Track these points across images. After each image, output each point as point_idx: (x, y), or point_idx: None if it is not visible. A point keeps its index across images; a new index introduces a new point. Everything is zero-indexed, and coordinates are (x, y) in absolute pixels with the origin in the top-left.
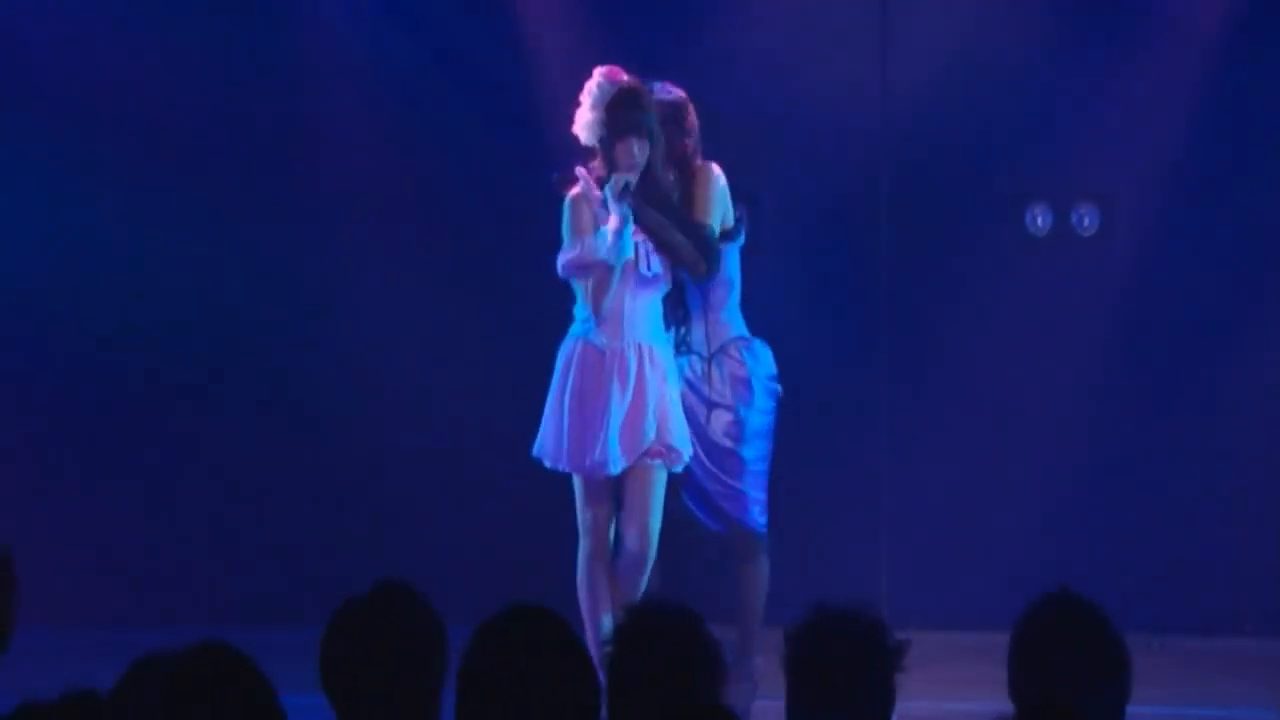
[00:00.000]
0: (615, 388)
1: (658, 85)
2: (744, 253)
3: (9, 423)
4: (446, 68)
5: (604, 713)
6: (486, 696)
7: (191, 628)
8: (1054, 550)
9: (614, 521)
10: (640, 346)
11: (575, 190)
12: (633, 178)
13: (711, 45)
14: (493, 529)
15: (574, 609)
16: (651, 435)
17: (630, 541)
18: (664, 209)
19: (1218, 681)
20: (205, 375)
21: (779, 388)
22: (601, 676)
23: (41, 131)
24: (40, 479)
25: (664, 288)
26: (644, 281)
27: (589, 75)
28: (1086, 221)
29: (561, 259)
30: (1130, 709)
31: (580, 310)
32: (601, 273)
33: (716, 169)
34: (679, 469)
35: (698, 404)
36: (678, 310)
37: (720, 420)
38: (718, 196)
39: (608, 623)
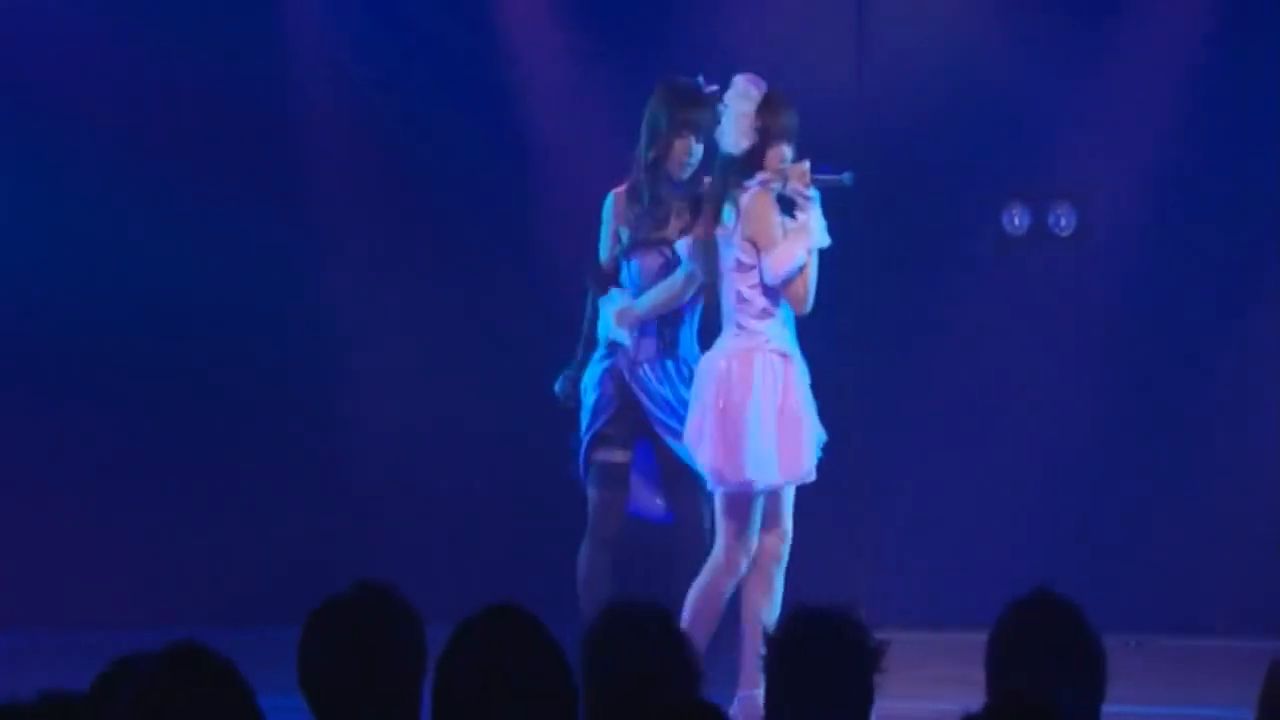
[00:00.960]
0: (801, 391)
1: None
2: None
3: None
4: (423, 62)
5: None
6: (463, 697)
7: (168, 630)
8: (1032, 550)
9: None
10: (789, 350)
11: (765, 192)
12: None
13: (687, 44)
14: (471, 527)
15: (555, 605)
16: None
17: (777, 545)
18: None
19: (1195, 681)
20: (175, 372)
21: None
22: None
23: (12, 126)
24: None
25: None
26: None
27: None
28: (1064, 222)
29: (775, 263)
30: (1110, 709)
31: (750, 322)
32: (807, 265)
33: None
34: None
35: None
36: (667, 314)
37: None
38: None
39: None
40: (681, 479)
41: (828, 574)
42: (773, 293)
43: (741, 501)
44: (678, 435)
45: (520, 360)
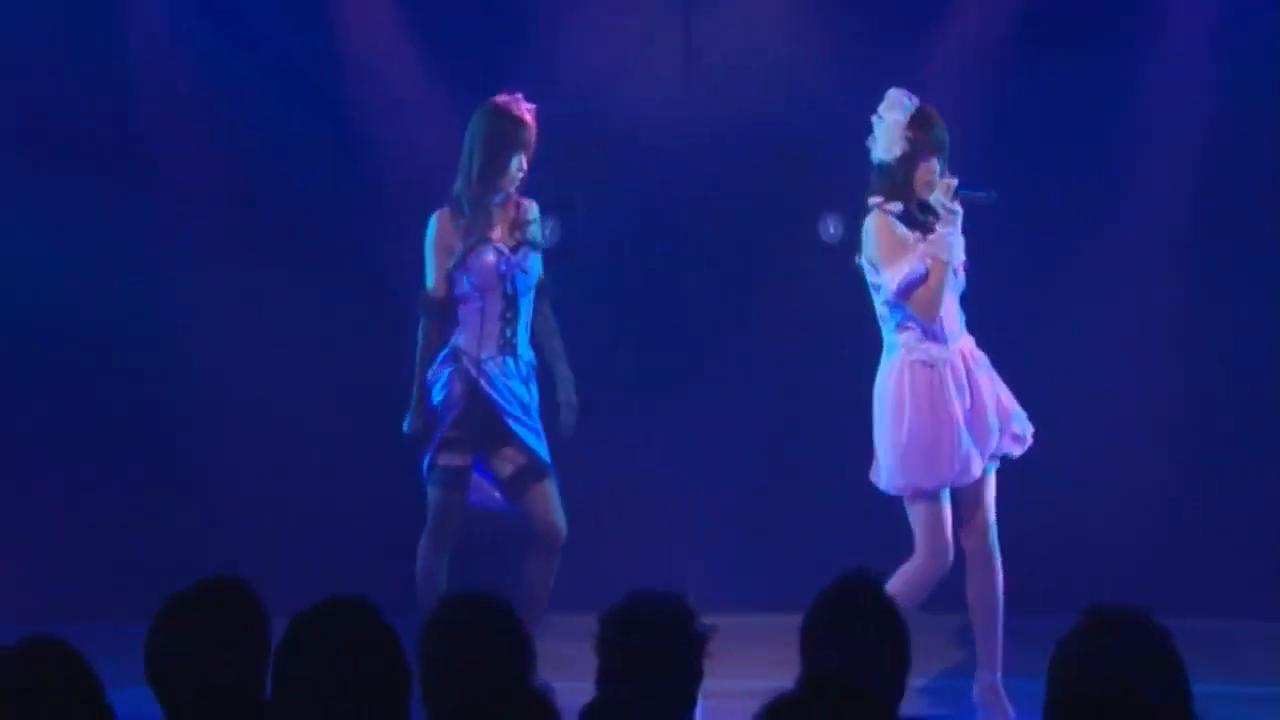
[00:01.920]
0: (957, 399)
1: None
2: (554, 257)
3: None
4: (274, 78)
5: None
6: (297, 684)
7: (27, 625)
8: (852, 536)
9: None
10: (962, 350)
11: (881, 213)
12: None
13: (530, 53)
14: (319, 524)
15: (397, 601)
16: (997, 433)
17: (979, 541)
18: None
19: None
20: (28, 373)
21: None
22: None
23: None
24: None
25: (963, 286)
26: (954, 285)
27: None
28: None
29: (897, 277)
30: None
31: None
32: (939, 278)
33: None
34: (1020, 451)
35: (522, 412)
36: (507, 312)
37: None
38: None
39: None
40: (530, 469)
41: (657, 564)
42: (903, 306)
43: (921, 503)
44: (525, 425)
45: (365, 362)
